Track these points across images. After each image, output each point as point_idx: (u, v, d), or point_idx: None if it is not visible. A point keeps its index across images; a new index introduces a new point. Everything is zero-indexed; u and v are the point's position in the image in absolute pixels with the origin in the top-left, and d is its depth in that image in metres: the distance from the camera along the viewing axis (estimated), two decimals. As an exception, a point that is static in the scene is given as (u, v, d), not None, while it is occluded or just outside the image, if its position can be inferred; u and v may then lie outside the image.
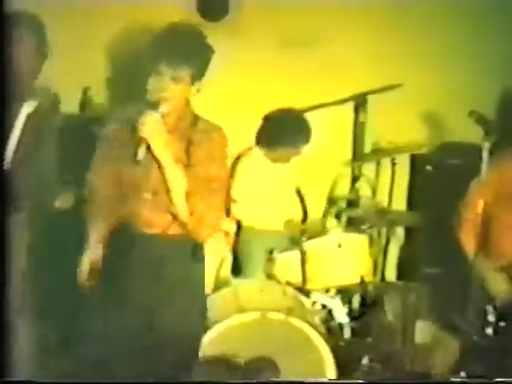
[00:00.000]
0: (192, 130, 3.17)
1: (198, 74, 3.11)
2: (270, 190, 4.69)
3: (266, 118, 4.76)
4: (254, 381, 3.08)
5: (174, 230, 3.15)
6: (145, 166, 3.08)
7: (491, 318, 3.79)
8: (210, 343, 3.58)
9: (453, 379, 3.77)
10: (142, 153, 3.04)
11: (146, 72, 3.09)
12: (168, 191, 3.08)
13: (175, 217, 3.11)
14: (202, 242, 3.25)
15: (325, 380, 3.67)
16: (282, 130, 4.61)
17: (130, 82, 4.00)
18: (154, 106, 3.04)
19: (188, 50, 3.06)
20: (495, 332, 3.75)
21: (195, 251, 3.24)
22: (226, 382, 3.02)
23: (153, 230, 3.16)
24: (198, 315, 3.30)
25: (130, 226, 3.18)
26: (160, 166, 3.07)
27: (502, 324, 3.78)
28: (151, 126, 3.01)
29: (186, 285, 3.19)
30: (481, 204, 3.82)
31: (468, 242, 3.90)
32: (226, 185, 3.34)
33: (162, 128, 3.04)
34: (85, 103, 4.69)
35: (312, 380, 3.62)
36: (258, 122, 4.79)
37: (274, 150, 4.66)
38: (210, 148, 3.16)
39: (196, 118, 3.21)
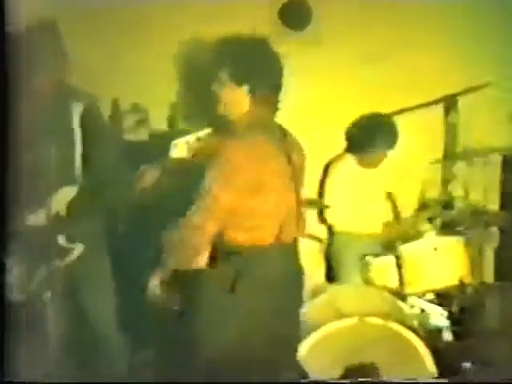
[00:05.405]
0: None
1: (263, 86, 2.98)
2: (361, 195, 4.69)
3: (355, 124, 4.78)
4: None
5: None
6: None
7: None
8: (309, 350, 3.61)
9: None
10: None
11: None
12: None
13: None
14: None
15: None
16: (372, 135, 4.60)
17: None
18: None
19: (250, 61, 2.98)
20: None
21: None
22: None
23: None
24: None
25: None
26: None
27: None
28: None
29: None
30: None
31: None
32: None
33: None
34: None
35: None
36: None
37: (364, 155, 4.67)
38: None
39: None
